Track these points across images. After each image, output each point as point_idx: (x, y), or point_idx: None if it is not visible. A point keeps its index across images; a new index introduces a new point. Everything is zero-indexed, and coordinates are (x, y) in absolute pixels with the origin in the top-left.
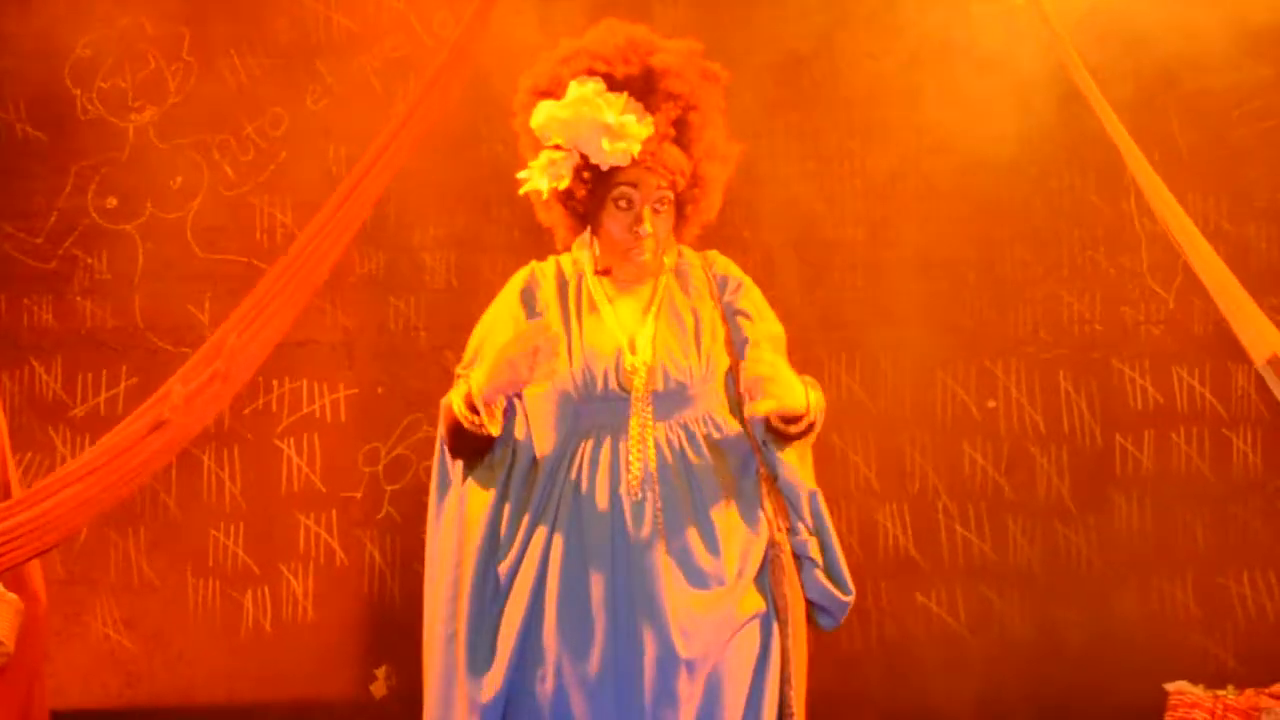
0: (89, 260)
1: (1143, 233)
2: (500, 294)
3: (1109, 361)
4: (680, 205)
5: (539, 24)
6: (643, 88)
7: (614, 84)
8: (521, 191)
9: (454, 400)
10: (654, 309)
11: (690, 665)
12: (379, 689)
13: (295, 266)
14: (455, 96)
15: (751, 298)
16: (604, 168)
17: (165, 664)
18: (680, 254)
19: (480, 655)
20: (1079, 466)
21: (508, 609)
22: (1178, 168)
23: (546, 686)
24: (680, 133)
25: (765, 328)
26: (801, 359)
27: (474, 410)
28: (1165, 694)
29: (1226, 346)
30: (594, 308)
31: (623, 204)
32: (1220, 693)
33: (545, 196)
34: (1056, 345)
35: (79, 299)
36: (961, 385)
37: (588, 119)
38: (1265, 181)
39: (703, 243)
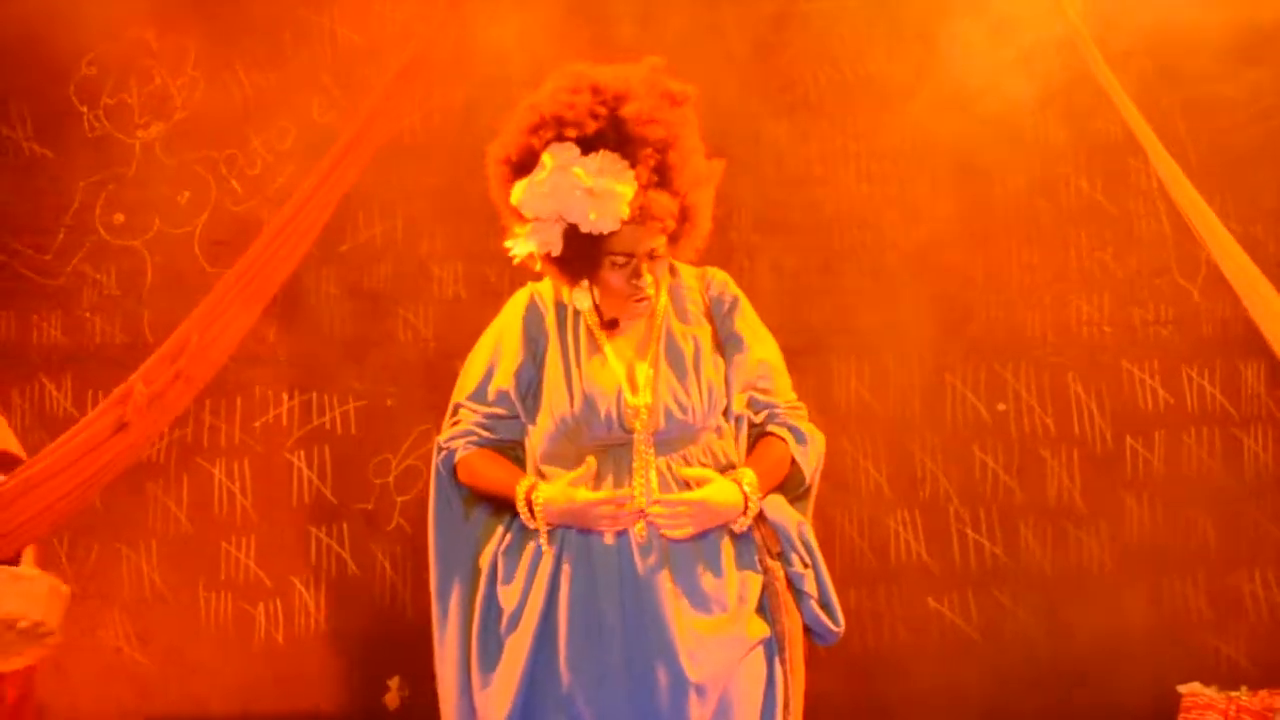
0: (97, 276)
1: (1149, 234)
2: (500, 319)
3: (1118, 363)
4: (674, 239)
5: (518, 28)
6: (617, 138)
7: (587, 144)
8: (514, 260)
9: (519, 494)
10: (653, 346)
11: (700, 689)
12: (392, 700)
13: (256, 266)
14: (418, 98)
15: (747, 318)
16: (594, 233)
17: (178, 677)
18: (676, 272)
19: (488, 681)
20: (1090, 468)
21: (515, 637)
22: (1184, 167)
23: None
24: (662, 175)
25: (753, 355)
26: (809, 364)
27: (532, 515)
28: (1178, 696)
29: (1236, 346)
30: (595, 343)
31: (619, 261)
32: (1234, 694)
33: (539, 267)
34: (1065, 347)
35: (88, 315)
36: (971, 389)
37: (568, 190)
38: (1272, 182)
39: (708, 246)
